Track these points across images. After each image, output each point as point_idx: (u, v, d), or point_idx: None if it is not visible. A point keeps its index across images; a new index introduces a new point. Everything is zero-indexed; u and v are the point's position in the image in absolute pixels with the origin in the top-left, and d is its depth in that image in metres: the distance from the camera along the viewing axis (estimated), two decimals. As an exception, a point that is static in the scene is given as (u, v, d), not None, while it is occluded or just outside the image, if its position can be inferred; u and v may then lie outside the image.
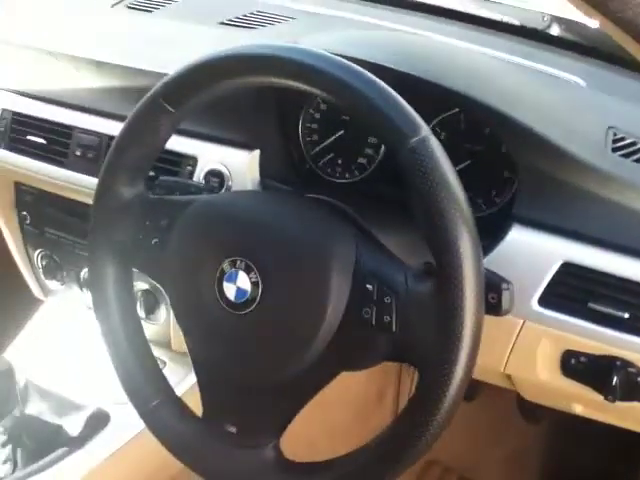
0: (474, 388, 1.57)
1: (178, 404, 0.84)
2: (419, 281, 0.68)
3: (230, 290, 0.73)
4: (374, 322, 0.69)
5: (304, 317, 0.71)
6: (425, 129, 0.66)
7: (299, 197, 0.82)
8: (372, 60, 0.85)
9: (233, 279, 0.73)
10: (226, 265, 0.73)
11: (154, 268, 0.83)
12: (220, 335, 0.76)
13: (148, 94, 0.78)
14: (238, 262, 0.73)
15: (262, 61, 0.72)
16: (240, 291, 0.73)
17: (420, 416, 0.67)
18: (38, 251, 1.27)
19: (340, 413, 1.54)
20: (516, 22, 1.12)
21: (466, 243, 0.65)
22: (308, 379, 0.74)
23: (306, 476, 0.75)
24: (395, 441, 0.69)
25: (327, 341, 0.70)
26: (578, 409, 0.94)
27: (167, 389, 0.85)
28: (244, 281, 0.73)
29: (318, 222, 0.75)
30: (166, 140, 0.81)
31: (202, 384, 0.80)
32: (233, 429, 0.78)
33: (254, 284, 0.72)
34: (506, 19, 1.12)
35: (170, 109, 0.77)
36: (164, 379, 0.86)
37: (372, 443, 0.72)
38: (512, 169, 0.89)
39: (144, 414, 0.85)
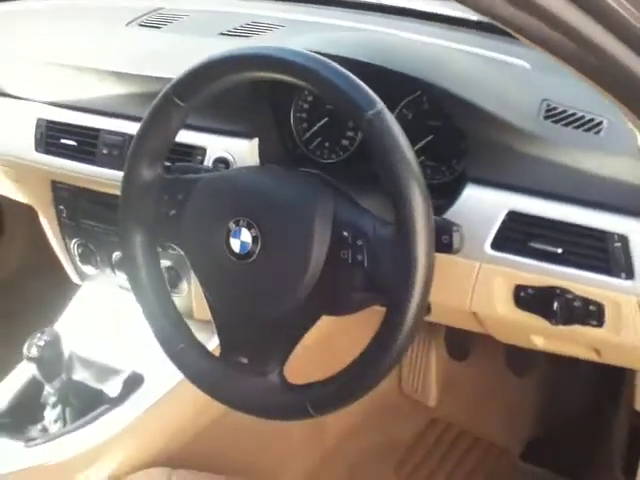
0: (466, 348, 1.72)
1: (200, 347, 1.00)
2: (384, 228, 0.85)
3: (236, 244, 0.90)
4: (350, 260, 0.85)
5: (295, 261, 0.88)
6: (379, 104, 0.82)
7: (290, 170, 1.00)
8: (344, 55, 1.01)
9: (237, 235, 0.89)
10: (231, 224, 0.90)
11: (174, 235, 0.99)
12: (230, 281, 0.93)
13: (161, 92, 0.95)
14: (241, 221, 0.89)
15: (251, 59, 0.89)
16: (243, 244, 0.89)
17: (391, 330, 0.83)
18: (74, 240, 1.41)
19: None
20: (470, 16, 1.27)
21: (417, 195, 0.81)
22: (300, 314, 0.90)
23: (305, 392, 0.91)
24: (375, 352, 0.85)
25: (314, 279, 0.87)
26: (538, 342, 1.09)
27: (190, 335, 1.00)
28: (246, 236, 0.89)
29: (303, 187, 0.92)
30: (178, 129, 0.97)
31: (218, 325, 0.96)
32: (245, 360, 0.93)
33: (254, 238, 0.88)
34: (465, 15, 1.27)
35: (180, 103, 0.93)
36: (187, 327, 1.01)
37: (354, 362, 0.88)
38: (466, 139, 1.04)
39: (172, 356, 1.00)
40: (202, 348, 1.00)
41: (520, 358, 1.67)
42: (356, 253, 0.85)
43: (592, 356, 1.08)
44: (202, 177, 0.97)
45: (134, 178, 0.99)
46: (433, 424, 1.78)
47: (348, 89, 0.83)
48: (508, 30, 0.58)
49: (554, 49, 0.58)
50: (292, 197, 0.90)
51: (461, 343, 1.70)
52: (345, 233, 0.86)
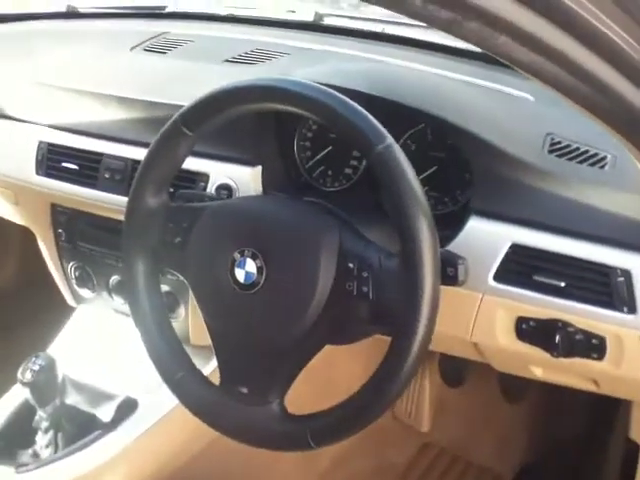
0: (460, 375, 1.73)
1: (199, 376, 0.99)
2: (390, 259, 0.85)
3: (240, 274, 0.90)
4: (355, 292, 0.85)
5: (300, 292, 0.88)
6: (389, 138, 0.83)
7: (295, 200, 1.00)
8: (349, 87, 1.02)
9: (242, 265, 0.89)
10: (236, 254, 0.90)
11: (178, 263, 0.99)
12: (233, 311, 0.92)
13: (169, 121, 0.95)
14: (246, 251, 0.89)
15: (261, 91, 0.89)
16: (248, 274, 0.89)
17: (396, 361, 0.83)
18: (72, 263, 1.41)
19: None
20: (477, 48, 1.29)
21: (424, 228, 0.81)
22: (304, 345, 0.89)
23: (306, 423, 0.90)
24: (380, 383, 0.84)
25: (319, 310, 0.87)
26: (537, 372, 1.09)
27: (189, 364, 1.00)
28: (251, 266, 0.89)
29: (309, 217, 0.92)
30: (185, 158, 0.98)
31: (219, 354, 0.96)
32: (245, 390, 0.92)
33: (259, 268, 0.88)
34: (467, 46, 1.29)
35: (188, 132, 0.94)
36: (187, 355, 1.00)
37: (356, 394, 0.87)
38: (469, 172, 1.06)
39: (171, 384, 0.99)
40: (202, 377, 0.99)
41: (514, 385, 1.68)
42: (361, 285, 0.86)
43: (590, 387, 1.08)
44: (208, 205, 0.97)
45: (139, 205, 0.99)
46: (426, 449, 1.78)
47: (358, 123, 0.83)
48: (520, 71, 0.59)
49: (568, 91, 0.59)
50: (298, 227, 0.91)
51: (455, 369, 1.70)
52: (350, 264, 0.87)
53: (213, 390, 0.97)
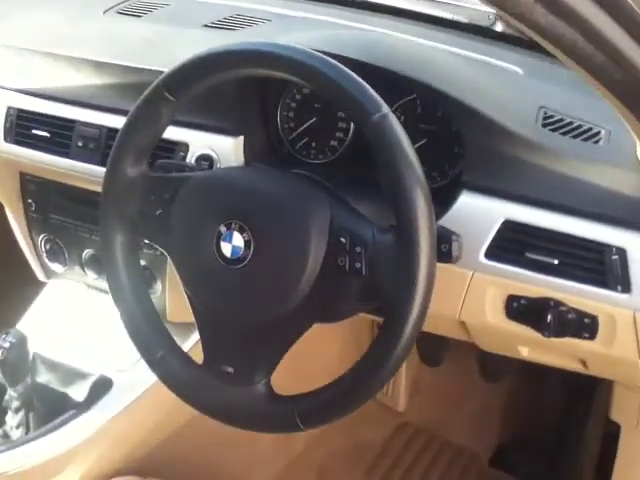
0: (439, 354, 1.71)
1: (181, 354, 0.95)
2: (384, 234, 0.82)
3: (226, 248, 0.86)
4: (347, 268, 0.82)
5: (289, 267, 0.84)
6: (385, 107, 0.80)
7: (283, 171, 0.96)
8: (343, 54, 0.97)
9: (229, 239, 0.85)
10: (222, 227, 0.86)
11: (159, 235, 0.94)
12: (219, 287, 0.88)
13: (151, 86, 0.90)
14: (233, 224, 0.85)
15: (252, 55, 0.84)
16: (235, 248, 0.85)
17: (389, 341, 0.80)
18: (42, 236, 1.36)
19: (317, 381, 1.67)
20: (464, 20, 1.26)
21: (421, 202, 0.78)
22: (293, 322, 0.86)
23: (294, 404, 0.87)
24: (371, 364, 0.82)
25: (309, 286, 0.83)
26: (524, 352, 1.07)
27: (171, 341, 0.96)
28: (238, 240, 0.85)
29: (299, 190, 0.88)
30: (167, 125, 0.93)
31: (203, 331, 0.92)
32: (230, 369, 0.89)
33: (246, 242, 0.85)
34: (456, 17, 1.26)
35: (170, 98, 0.89)
36: (167, 333, 0.97)
37: (347, 373, 0.85)
38: (461, 145, 1.03)
39: (152, 363, 0.96)
40: (184, 355, 0.96)
41: (493, 365, 1.67)
42: (354, 260, 0.82)
43: (578, 367, 1.07)
44: (191, 176, 0.93)
45: (117, 174, 0.94)
46: (402, 428, 1.77)
47: (354, 91, 0.80)
48: (540, 40, 0.57)
49: (584, 58, 0.56)
50: (287, 200, 0.87)
51: (434, 349, 1.69)
52: (343, 239, 0.83)
53: (196, 369, 0.93)
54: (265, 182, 0.90)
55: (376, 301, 0.83)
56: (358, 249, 0.82)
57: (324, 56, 0.82)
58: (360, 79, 0.81)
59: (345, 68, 0.81)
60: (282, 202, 0.86)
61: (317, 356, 1.57)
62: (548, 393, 1.69)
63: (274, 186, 0.89)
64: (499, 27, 1.28)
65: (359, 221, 0.85)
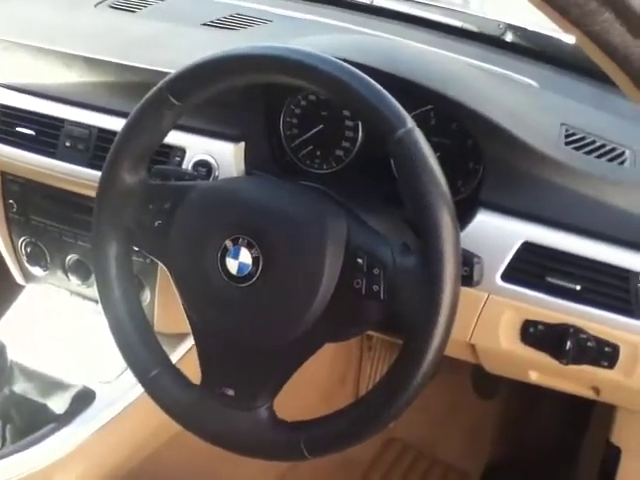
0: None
1: (176, 373, 0.89)
2: (404, 255, 0.77)
3: (232, 265, 0.80)
4: (364, 291, 0.77)
5: (301, 288, 0.78)
6: (410, 121, 0.74)
7: (293, 183, 0.90)
8: (363, 62, 0.91)
9: (235, 255, 0.80)
10: (228, 243, 0.80)
11: (157, 248, 0.88)
12: (222, 305, 0.82)
13: (154, 88, 0.84)
14: (240, 239, 0.79)
15: (272, 62, 0.79)
16: (242, 266, 0.79)
17: (408, 369, 0.75)
18: (22, 238, 1.29)
19: (306, 394, 1.62)
20: (475, 29, 1.22)
21: (447, 222, 0.73)
22: (302, 345, 0.81)
23: (298, 432, 0.82)
24: (387, 393, 0.77)
25: (322, 309, 0.78)
26: (533, 376, 1.03)
27: (165, 360, 0.90)
28: (246, 256, 0.79)
29: (314, 204, 0.82)
30: (168, 130, 0.87)
31: (202, 351, 0.86)
32: (231, 392, 0.83)
33: (255, 259, 0.79)
34: (466, 26, 1.21)
35: (175, 102, 0.83)
36: (162, 350, 0.91)
37: (360, 401, 0.80)
38: (477, 160, 0.98)
39: (145, 383, 0.90)
40: (180, 375, 0.90)
41: (487, 381, 1.62)
42: (372, 283, 0.77)
43: (589, 394, 1.03)
44: (193, 185, 0.87)
45: (114, 180, 0.88)
46: (390, 444, 1.72)
47: (378, 103, 0.74)
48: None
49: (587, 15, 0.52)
50: (300, 215, 0.81)
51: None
52: (360, 260, 0.78)
53: (194, 391, 0.87)
54: (275, 195, 0.84)
55: (394, 327, 0.78)
56: (376, 271, 0.77)
57: (347, 65, 0.76)
58: (385, 91, 0.75)
59: (366, 76, 0.76)
60: (296, 217, 0.81)
61: (305, 366, 1.52)
62: (543, 411, 1.66)
63: (286, 199, 0.83)
64: (509, 37, 1.24)
65: (377, 240, 0.79)
